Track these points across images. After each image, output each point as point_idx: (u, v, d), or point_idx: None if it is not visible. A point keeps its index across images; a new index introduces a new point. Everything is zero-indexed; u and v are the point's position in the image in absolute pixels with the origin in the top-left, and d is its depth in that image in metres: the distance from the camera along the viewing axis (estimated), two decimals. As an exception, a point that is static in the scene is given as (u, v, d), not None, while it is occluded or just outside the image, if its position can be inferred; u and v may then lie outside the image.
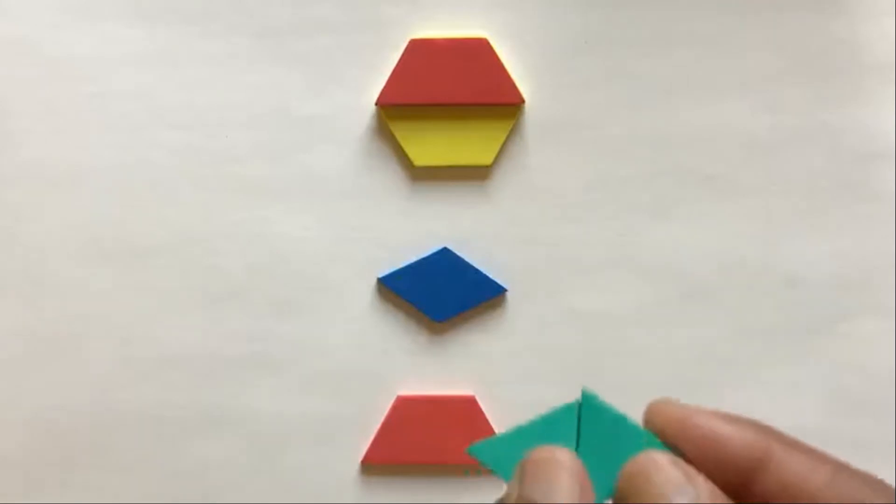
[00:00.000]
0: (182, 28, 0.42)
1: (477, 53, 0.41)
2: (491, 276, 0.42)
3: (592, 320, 0.42)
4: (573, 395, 0.44)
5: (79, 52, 0.42)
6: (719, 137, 0.42)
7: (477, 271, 0.42)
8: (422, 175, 0.42)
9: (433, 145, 0.42)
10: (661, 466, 0.22)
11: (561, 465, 0.22)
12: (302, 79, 0.42)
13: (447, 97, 0.41)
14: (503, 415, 0.42)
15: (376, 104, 0.41)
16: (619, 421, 0.23)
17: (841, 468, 0.23)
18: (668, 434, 0.23)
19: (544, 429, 0.24)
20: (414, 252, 0.42)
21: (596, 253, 0.42)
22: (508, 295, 0.42)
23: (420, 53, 0.41)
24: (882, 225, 0.42)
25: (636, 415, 0.24)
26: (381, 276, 0.42)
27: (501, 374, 0.42)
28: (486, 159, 0.42)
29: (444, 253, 0.42)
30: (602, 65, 0.42)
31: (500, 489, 0.43)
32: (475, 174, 0.42)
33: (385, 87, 0.41)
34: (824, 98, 0.42)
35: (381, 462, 0.42)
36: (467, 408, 0.42)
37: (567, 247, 0.42)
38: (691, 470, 0.22)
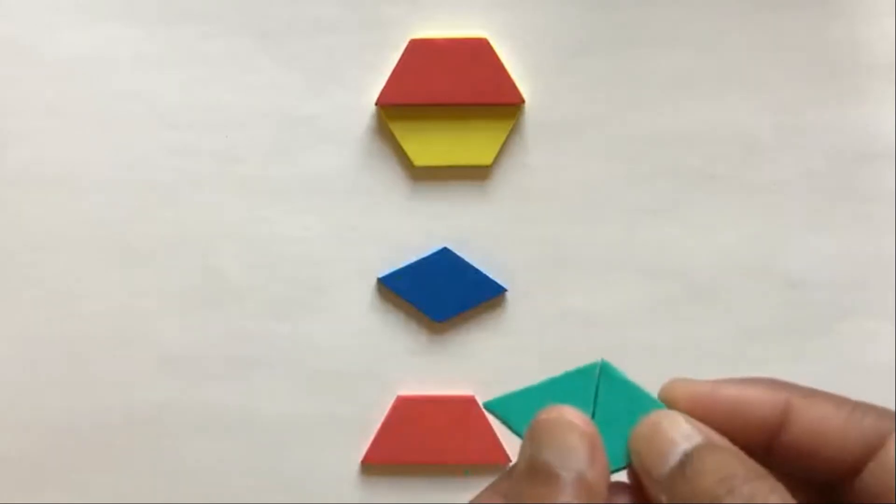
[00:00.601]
0: (182, 28, 0.42)
1: (477, 53, 0.41)
2: (491, 276, 0.42)
3: (592, 320, 0.42)
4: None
5: (78, 52, 0.42)
6: (719, 137, 0.42)
7: (477, 271, 0.42)
8: (422, 175, 0.42)
9: (433, 145, 0.42)
10: (672, 416, 0.22)
11: (573, 427, 0.22)
12: (302, 79, 0.42)
13: (447, 97, 0.41)
14: (503, 415, 0.42)
15: (376, 104, 0.41)
16: (638, 393, 0.24)
17: (859, 406, 0.23)
18: (687, 409, 0.23)
19: (561, 389, 0.24)
20: (414, 252, 0.42)
21: (596, 253, 0.42)
22: (508, 295, 0.42)
23: (420, 53, 0.41)
24: (882, 225, 0.42)
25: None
26: (381, 276, 0.42)
27: (501, 374, 0.42)
28: (486, 159, 0.42)
29: (444, 253, 0.42)
30: (602, 65, 0.42)
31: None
32: (475, 174, 0.42)
33: (385, 87, 0.41)
34: (824, 98, 0.42)
35: (381, 462, 0.42)
36: (467, 408, 0.42)
37: (567, 247, 0.42)
38: (700, 424, 0.22)
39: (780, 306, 0.42)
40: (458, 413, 0.42)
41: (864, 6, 0.42)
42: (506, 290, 0.42)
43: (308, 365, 0.42)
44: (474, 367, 0.42)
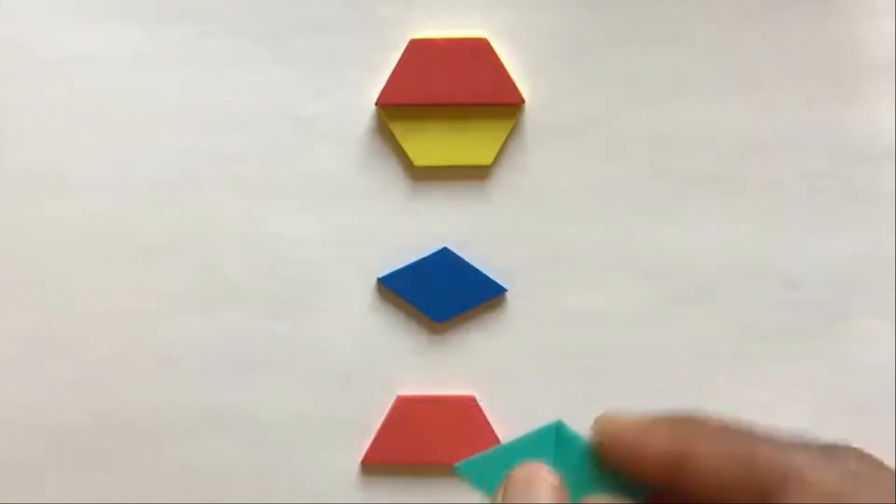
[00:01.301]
0: (182, 28, 0.42)
1: (477, 53, 0.41)
2: (491, 276, 0.42)
3: (592, 320, 0.42)
4: (573, 395, 0.44)
5: (78, 52, 0.42)
6: (719, 137, 0.42)
7: (477, 271, 0.42)
8: (422, 175, 0.42)
9: (433, 145, 0.42)
10: (526, 472, 0.25)
11: (544, 480, 0.24)
12: (302, 79, 0.42)
13: (447, 97, 0.41)
14: (503, 415, 0.42)
15: (376, 104, 0.41)
16: (585, 447, 0.26)
17: (758, 446, 0.24)
18: (605, 446, 0.25)
19: (525, 448, 0.26)
20: (414, 252, 0.42)
21: (596, 253, 0.42)
22: (508, 295, 0.42)
23: (420, 53, 0.41)
24: (882, 225, 0.42)
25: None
26: (381, 276, 0.42)
27: (501, 374, 0.42)
28: (486, 159, 0.42)
29: (444, 253, 0.42)
30: (602, 65, 0.42)
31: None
32: (475, 174, 0.42)
33: (385, 87, 0.41)
34: (824, 98, 0.42)
35: (381, 462, 0.42)
36: (467, 408, 0.42)
37: (567, 247, 0.42)
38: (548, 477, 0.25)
39: (780, 306, 0.42)
40: (458, 413, 0.42)
41: (864, 6, 0.42)
42: (506, 290, 0.42)
43: (308, 365, 0.42)
44: (474, 367, 0.42)
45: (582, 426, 0.26)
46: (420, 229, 0.42)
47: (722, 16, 0.42)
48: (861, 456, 0.25)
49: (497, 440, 0.42)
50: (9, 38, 0.42)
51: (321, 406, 0.42)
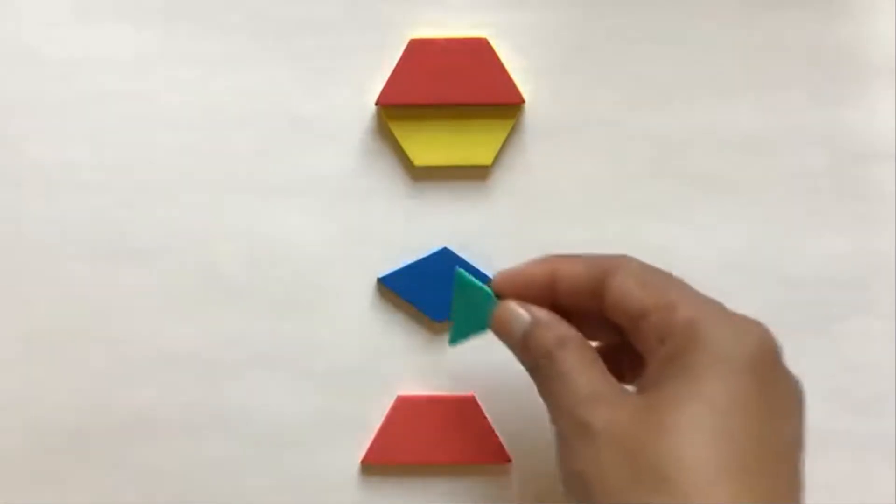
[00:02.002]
0: (182, 28, 0.42)
1: (477, 53, 0.41)
2: (491, 276, 0.42)
3: (592, 320, 0.42)
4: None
5: (79, 52, 0.42)
6: (719, 137, 0.42)
7: (477, 271, 0.42)
8: (422, 175, 0.42)
9: (433, 145, 0.42)
10: (508, 307, 0.35)
11: (516, 308, 0.35)
12: (302, 79, 0.42)
13: (447, 97, 0.41)
14: (503, 415, 0.42)
15: (376, 104, 0.41)
16: (480, 287, 0.37)
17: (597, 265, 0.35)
18: (507, 291, 0.36)
19: (464, 295, 0.37)
20: (414, 252, 0.42)
21: (596, 253, 0.42)
22: (508, 295, 0.42)
23: (420, 53, 0.41)
24: (882, 225, 0.42)
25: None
26: (381, 276, 0.42)
27: (501, 374, 0.42)
28: (486, 159, 0.42)
29: (444, 253, 0.42)
30: (602, 65, 0.42)
31: (497, 495, 0.43)
32: (475, 174, 0.42)
33: (385, 87, 0.41)
34: (824, 98, 0.42)
35: (381, 462, 0.42)
36: (467, 408, 0.42)
37: (567, 247, 0.42)
38: (530, 306, 0.35)
39: (780, 306, 0.42)
40: (458, 413, 0.42)
41: (864, 6, 0.42)
42: (506, 290, 0.42)
43: (308, 365, 0.42)
44: (474, 367, 0.42)
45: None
46: (420, 229, 0.42)
47: (722, 16, 0.42)
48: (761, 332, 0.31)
49: (497, 440, 0.42)
50: (9, 38, 0.42)
51: (321, 406, 0.42)
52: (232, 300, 0.42)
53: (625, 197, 0.42)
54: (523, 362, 0.35)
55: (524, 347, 0.34)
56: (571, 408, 0.31)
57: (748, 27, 0.42)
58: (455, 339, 0.38)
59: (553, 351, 0.33)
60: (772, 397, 0.30)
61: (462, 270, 0.38)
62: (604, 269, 0.34)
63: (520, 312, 0.35)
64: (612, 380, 0.32)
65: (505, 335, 0.35)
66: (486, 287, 0.37)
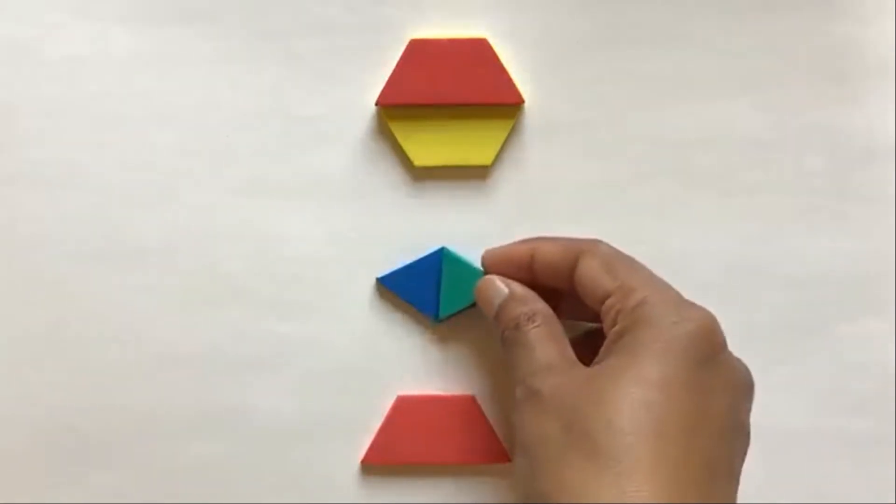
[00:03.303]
0: (182, 28, 0.42)
1: (477, 53, 0.41)
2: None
3: (592, 320, 0.42)
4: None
5: (78, 52, 0.42)
6: (719, 137, 0.42)
7: (477, 271, 0.41)
8: (422, 175, 0.42)
9: (433, 145, 0.42)
10: (490, 280, 0.39)
11: (495, 281, 0.39)
12: (302, 79, 0.42)
13: (447, 97, 0.41)
14: (503, 415, 0.42)
15: (376, 104, 0.41)
16: (467, 263, 0.41)
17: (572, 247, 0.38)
18: (491, 267, 0.40)
19: (452, 269, 0.41)
20: (414, 252, 0.42)
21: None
22: (508, 295, 0.42)
23: (420, 53, 0.41)
24: (882, 225, 0.42)
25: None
26: (380, 276, 0.42)
27: (501, 374, 0.42)
28: (486, 159, 0.42)
29: (444, 253, 0.42)
30: (602, 65, 0.42)
31: (497, 495, 0.43)
32: (475, 174, 0.42)
33: (385, 87, 0.41)
34: (824, 98, 0.42)
35: (381, 462, 0.42)
36: (467, 408, 0.42)
37: (567, 247, 0.42)
38: (511, 282, 0.39)
39: (780, 306, 0.42)
40: (458, 413, 0.42)
41: (865, 6, 0.42)
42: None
43: (308, 365, 0.42)
44: (474, 367, 0.42)
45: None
46: (420, 229, 0.42)
47: (722, 16, 0.42)
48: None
49: (497, 440, 0.42)
50: (9, 38, 0.42)
51: (321, 406, 0.42)
52: (232, 300, 0.42)
53: (624, 197, 0.42)
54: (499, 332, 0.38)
55: (498, 317, 0.38)
56: (525, 376, 0.35)
57: (748, 27, 0.42)
58: (443, 312, 0.41)
59: (521, 323, 0.37)
60: (704, 379, 0.32)
61: (449, 249, 0.41)
62: (575, 252, 0.37)
63: (498, 286, 0.39)
64: (570, 354, 0.36)
65: (484, 305, 0.39)
66: (472, 264, 0.41)
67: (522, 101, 0.41)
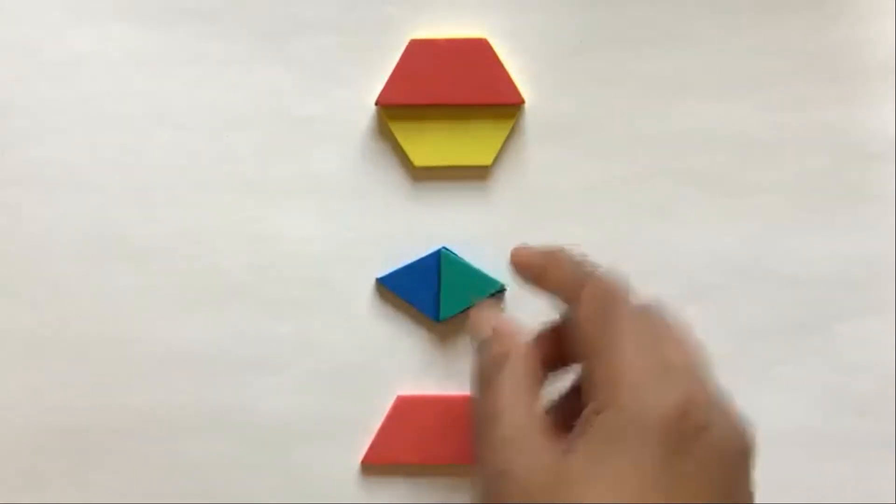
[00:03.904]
0: (182, 28, 0.42)
1: (477, 53, 0.41)
2: (491, 275, 0.42)
3: (592, 320, 0.42)
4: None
5: (78, 52, 0.42)
6: (719, 137, 0.42)
7: (477, 271, 0.42)
8: (422, 175, 0.42)
9: (433, 145, 0.42)
10: (480, 312, 0.37)
11: (484, 313, 0.37)
12: (302, 79, 0.42)
13: (447, 97, 0.41)
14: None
15: (376, 104, 0.41)
16: (465, 264, 0.41)
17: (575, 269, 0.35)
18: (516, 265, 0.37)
19: (451, 272, 0.41)
20: (414, 252, 0.42)
21: (595, 253, 0.42)
22: (508, 295, 0.42)
23: (420, 53, 0.41)
24: (882, 225, 0.42)
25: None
26: (380, 276, 0.42)
27: (501, 374, 0.42)
28: (486, 159, 0.42)
29: (444, 253, 0.42)
30: (602, 65, 0.42)
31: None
32: (475, 174, 0.42)
33: (385, 87, 0.41)
34: (824, 98, 0.42)
35: (381, 462, 0.42)
36: (467, 407, 0.42)
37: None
38: (500, 317, 0.36)
39: (780, 306, 0.42)
40: (458, 413, 0.42)
41: (864, 6, 0.42)
42: (506, 290, 0.42)
43: (308, 365, 0.42)
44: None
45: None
46: (420, 229, 0.42)
47: (722, 16, 0.42)
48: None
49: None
50: (9, 38, 0.42)
51: (321, 406, 0.42)
52: (232, 300, 0.42)
53: (625, 197, 0.42)
54: None
55: (477, 354, 0.35)
56: (493, 452, 0.33)
57: (748, 27, 0.42)
58: (444, 314, 0.41)
59: (492, 377, 0.34)
60: (680, 467, 0.30)
61: (448, 250, 0.41)
62: (575, 289, 0.34)
63: (482, 326, 0.36)
64: (539, 416, 0.33)
65: (471, 336, 0.37)
66: (470, 264, 0.41)
67: (522, 101, 0.41)
